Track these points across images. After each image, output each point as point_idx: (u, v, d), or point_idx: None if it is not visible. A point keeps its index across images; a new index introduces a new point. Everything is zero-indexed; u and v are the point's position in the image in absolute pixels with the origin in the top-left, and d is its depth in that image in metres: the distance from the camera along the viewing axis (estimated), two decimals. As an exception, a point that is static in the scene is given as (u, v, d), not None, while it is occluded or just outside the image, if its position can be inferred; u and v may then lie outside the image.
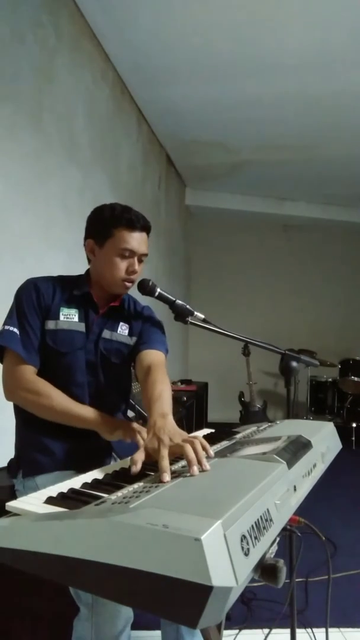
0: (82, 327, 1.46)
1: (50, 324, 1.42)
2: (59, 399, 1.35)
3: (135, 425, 1.37)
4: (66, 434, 1.38)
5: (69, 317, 1.44)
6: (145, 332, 1.56)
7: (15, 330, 1.37)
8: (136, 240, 1.43)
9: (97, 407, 1.45)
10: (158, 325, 1.59)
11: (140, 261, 1.47)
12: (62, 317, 1.43)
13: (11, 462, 1.50)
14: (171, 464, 0.99)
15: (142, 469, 1.09)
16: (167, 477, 0.91)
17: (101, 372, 1.50)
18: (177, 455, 1.02)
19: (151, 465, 1.14)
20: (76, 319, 1.45)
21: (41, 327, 1.41)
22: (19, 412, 1.45)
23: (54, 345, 1.41)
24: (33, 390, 1.35)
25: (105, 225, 1.43)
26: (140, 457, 1.06)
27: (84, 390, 1.46)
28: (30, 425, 1.41)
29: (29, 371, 1.37)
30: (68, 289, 1.48)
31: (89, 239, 1.48)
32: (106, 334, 1.51)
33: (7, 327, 1.38)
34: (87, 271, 1.55)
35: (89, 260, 1.53)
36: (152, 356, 1.46)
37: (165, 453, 0.99)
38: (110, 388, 1.52)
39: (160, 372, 1.37)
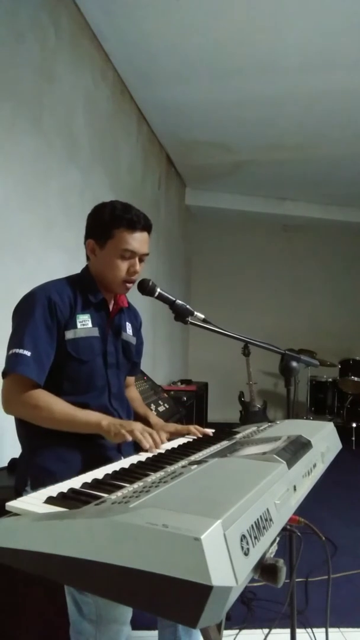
0: (96, 332, 1.45)
1: (69, 334, 1.39)
2: (59, 408, 1.31)
3: (138, 424, 1.32)
4: (80, 440, 1.34)
5: (84, 323, 1.42)
6: (137, 352, 1.69)
7: (26, 352, 1.30)
8: (137, 240, 1.42)
9: (118, 408, 1.48)
10: (142, 341, 1.74)
11: (141, 261, 1.46)
12: (79, 325, 1.41)
13: (17, 472, 1.46)
14: (171, 464, 1.00)
15: (142, 469, 1.09)
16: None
17: (121, 372, 1.54)
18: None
19: (151, 466, 1.14)
20: (90, 324, 1.43)
21: (57, 340, 1.37)
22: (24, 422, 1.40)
23: (77, 355, 1.39)
24: (32, 404, 1.30)
25: (105, 225, 1.41)
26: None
27: (105, 393, 1.46)
28: (43, 434, 1.35)
29: (31, 387, 1.32)
30: (81, 294, 1.45)
31: (90, 239, 1.47)
32: (124, 335, 1.55)
33: (17, 351, 1.30)
34: (88, 270, 1.52)
35: (88, 258, 1.52)
36: (131, 380, 1.78)
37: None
38: (123, 387, 1.58)
39: (135, 389, 1.83)
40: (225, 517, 0.64)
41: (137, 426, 1.30)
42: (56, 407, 1.31)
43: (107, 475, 1.07)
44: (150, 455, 1.26)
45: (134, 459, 1.24)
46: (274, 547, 0.80)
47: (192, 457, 1.13)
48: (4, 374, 1.34)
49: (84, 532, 0.69)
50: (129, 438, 1.26)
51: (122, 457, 1.39)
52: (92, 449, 1.36)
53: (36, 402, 1.30)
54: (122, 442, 1.30)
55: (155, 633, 1.54)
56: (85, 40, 2.95)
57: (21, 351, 1.30)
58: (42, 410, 1.30)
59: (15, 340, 1.33)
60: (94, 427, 1.31)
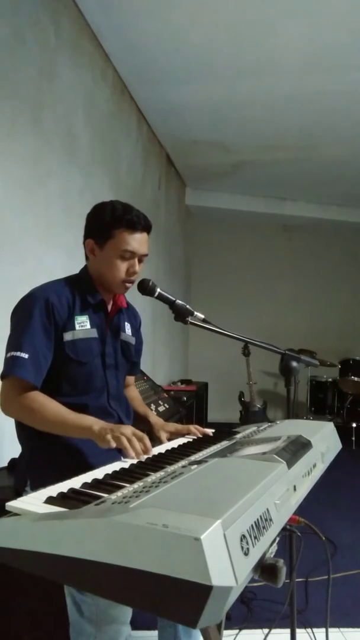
0: (95, 333, 1.45)
1: (68, 336, 1.38)
2: (52, 411, 1.29)
3: (129, 430, 1.25)
4: (79, 440, 1.33)
5: (83, 324, 1.42)
6: (137, 352, 1.69)
7: (24, 355, 1.30)
8: (137, 241, 1.42)
9: (116, 408, 1.49)
10: (141, 340, 1.74)
11: (140, 261, 1.46)
12: (77, 327, 1.41)
13: (17, 472, 1.46)
14: (171, 464, 1.00)
15: (142, 469, 1.09)
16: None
17: (119, 373, 1.54)
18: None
19: (151, 466, 1.14)
20: (88, 325, 1.43)
21: (55, 342, 1.37)
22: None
23: (75, 357, 1.39)
24: (27, 406, 1.30)
25: (105, 225, 1.41)
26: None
27: (104, 394, 1.46)
28: (42, 434, 1.33)
29: (28, 389, 1.32)
30: (79, 295, 1.44)
31: (89, 238, 1.46)
32: (122, 335, 1.55)
33: (15, 354, 1.30)
34: (86, 270, 1.52)
35: (87, 258, 1.51)
36: (131, 379, 1.78)
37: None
38: (122, 387, 1.58)
39: (135, 389, 1.84)
40: (225, 517, 0.64)
41: (127, 431, 1.23)
42: (50, 410, 1.30)
43: (107, 475, 1.07)
44: (134, 461, 1.20)
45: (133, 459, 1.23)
46: (274, 547, 0.80)
47: (192, 457, 1.14)
48: (2, 377, 1.34)
49: (84, 532, 0.69)
50: (113, 445, 1.20)
51: (122, 458, 1.39)
52: (92, 449, 1.35)
53: (31, 404, 1.30)
54: (109, 447, 1.23)
55: (155, 633, 1.54)
56: (85, 40, 2.95)
57: (19, 354, 1.30)
58: (36, 412, 1.30)
59: (14, 343, 1.33)
60: (86, 431, 1.27)
